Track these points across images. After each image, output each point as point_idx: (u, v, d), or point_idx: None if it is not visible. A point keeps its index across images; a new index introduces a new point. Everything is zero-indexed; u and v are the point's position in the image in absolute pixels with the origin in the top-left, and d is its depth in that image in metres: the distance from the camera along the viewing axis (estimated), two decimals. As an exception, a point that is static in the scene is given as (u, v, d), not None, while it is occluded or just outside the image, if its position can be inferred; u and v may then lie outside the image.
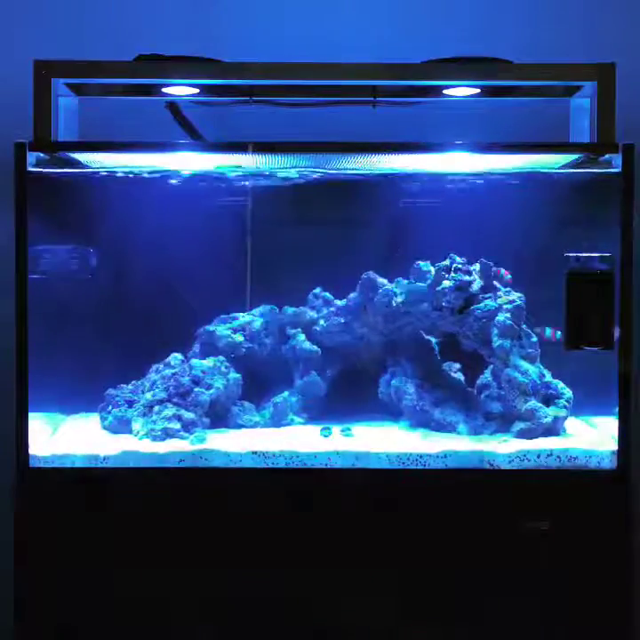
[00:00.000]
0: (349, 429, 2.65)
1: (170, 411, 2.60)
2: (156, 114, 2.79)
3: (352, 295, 2.77)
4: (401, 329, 2.75)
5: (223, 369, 2.71)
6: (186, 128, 2.82)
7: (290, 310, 2.82)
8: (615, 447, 2.45)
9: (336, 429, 2.65)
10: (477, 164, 2.66)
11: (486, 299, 2.67)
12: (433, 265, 2.72)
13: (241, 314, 2.83)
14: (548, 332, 2.68)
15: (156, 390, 2.65)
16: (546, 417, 2.56)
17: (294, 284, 2.88)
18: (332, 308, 2.80)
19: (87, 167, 2.67)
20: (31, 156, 2.43)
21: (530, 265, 2.80)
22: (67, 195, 2.70)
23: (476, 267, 2.70)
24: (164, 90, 2.63)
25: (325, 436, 2.62)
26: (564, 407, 2.61)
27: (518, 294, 2.67)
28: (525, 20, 2.95)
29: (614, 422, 2.46)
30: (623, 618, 2.46)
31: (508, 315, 2.62)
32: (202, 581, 2.45)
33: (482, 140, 2.50)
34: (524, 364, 2.61)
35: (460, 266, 2.68)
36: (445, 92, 2.62)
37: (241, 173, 2.76)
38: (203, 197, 2.85)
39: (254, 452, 2.47)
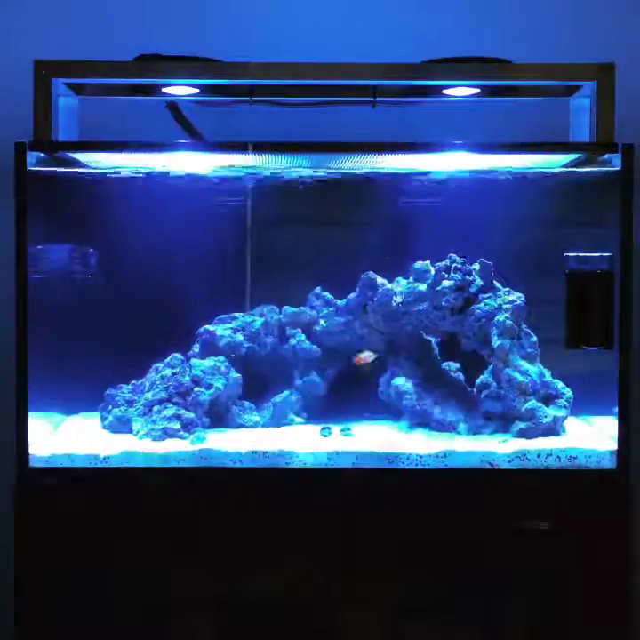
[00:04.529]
0: (349, 429, 2.65)
1: (170, 410, 2.60)
2: (156, 114, 2.79)
3: (352, 295, 2.77)
4: (401, 329, 2.75)
5: (223, 369, 2.71)
6: (186, 128, 2.82)
7: (290, 310, 2.82)
8: (614, 447, 2.45)
9: (336, 429, 2.65)
10: (477, 164, 2.66)
11: (486, 299, 2.67)
12: (433, 265, 2.72)
13: (241, 314, 2.83)
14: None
15: (156, 390, 2.65)
16: (545, 417, 2.56)
17: (294, 283, 2.88)
18: (331, 308, 2.80)
19: (87, 167, 2.67)
20: (31, 156, 2.43)
21: (529, 264, 2.80)
22: (67, 194, 2.70)
23: (476, 267, 2.71)
24: (164, 90, 2.63)
25: (325, 436, 2.62)
26: (564, 407, 2.61)
27: (518, 294, 2.67)
28: (525, 19, 2.95)
29: (614, 422, 2.46)
30: (623, 618, 2.46)
31: (508, 314, 2.62)
32: (201, 581, 2.45)
33: (482, 140, 2.50)
34: (524, 364, 2.61)
35: (459, 266, 2.68)
36: (445, 91, 2.62)
37: (241, 173, 2.76)
38: (203, 197, 2.85)
39: (254, 452, 2.47)
